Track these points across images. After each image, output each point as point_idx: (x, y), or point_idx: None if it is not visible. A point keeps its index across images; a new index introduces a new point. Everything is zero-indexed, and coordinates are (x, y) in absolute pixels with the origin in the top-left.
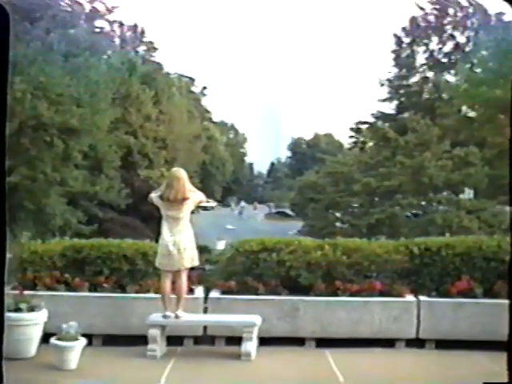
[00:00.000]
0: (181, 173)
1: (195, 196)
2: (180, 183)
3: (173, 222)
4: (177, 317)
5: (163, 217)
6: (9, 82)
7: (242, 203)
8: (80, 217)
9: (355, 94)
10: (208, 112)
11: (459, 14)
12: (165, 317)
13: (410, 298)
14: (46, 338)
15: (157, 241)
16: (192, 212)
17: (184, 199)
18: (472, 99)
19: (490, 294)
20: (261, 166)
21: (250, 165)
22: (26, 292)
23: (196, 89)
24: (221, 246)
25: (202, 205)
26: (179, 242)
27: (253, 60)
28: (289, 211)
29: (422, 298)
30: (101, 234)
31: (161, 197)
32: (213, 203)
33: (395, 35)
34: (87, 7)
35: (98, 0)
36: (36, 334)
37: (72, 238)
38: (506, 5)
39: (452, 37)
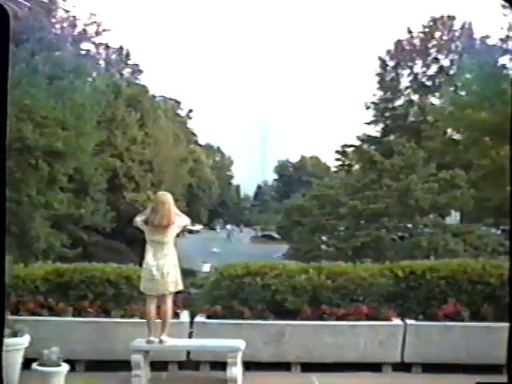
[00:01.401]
0: (166, 197)
1: (180, 220)
2: (165, 208)
3: (157, 247)
4: (161, 342)
5: (147, 241)
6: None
7: (229, 226)
8: (64, 240)
9: (341, 117)
10: (194, 135)
11: (444, 38)
12: (149, 342)
13: (396, 321)
14: (27, 363)
15: (141, 265)
16: (177, 235)
17: (169, 224)
18: (457, 122)
19: (476, 317)
20: (247, 189)
21: (237, 187)
22: (8, 317)
23: (182, 112)
24: (206, 269)
25: (187, 228)
26: (163, 266)
27: (239, 83)
28: (275, 234)
29: (409, 321)
30: (85, 257)
31: (146, 221)
32: (198, 226)
33: (380, 58)
34: (78, 29)
35: (93, 21)
36: (18, 359)
37: (55, 261)
38: (491, 27)
39: (436, 60)
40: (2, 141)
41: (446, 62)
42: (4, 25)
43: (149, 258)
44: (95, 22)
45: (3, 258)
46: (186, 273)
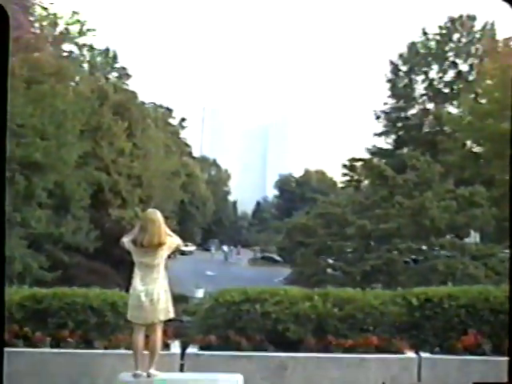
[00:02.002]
0: (156, 215)
1: (172, 241)
2: (155, 227)
3: (146, 270)
4: (149, 376)
5: (135, 263)
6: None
7: (225, 247)
8: (42, 262)
9: (349, 127)
10: (187, 146)
11: (463, 40)
12: (135, 376)
13: (410, 354)
14: None
15: (128, 290)
16: (168, 257)
17: (159, 244)
18: (477, 133)
19: (499, 351)
20: (245, 206)
21: (234, 204)
22: None
23: (174, 120)
24: (199, 294)
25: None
26: (152, 291)
27: (237, 89)
28: (276, 256)
29: (424, 354)
30: (65, 281)
31: (133, 241)
32: (192, 247)
33: (392, 62)
34: (59, 28)
35: (76, 20)
36: None
37: (32, 285)
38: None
39: (454, 64)
40: (2, 141)
41: (464, 67)
42: (4, 25)
43: (137, 282)
44: (78, 21)
45: (3, 264)
46: (178, 299)
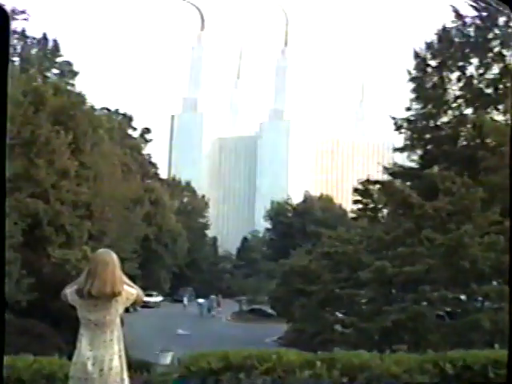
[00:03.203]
0: (110, 256)
1: (130, 291)
2: (108, 272)
3: (95, 329)
4: None
5: (81, 321)
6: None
7: (201, 299)
8: None
9: (362, 140)
10: (153, 165)
11: None
12: None
13: None
14: None
15: (71, 357)
16: (126, 311)
17: (113, 295)
18: None
19: None
20: (228, 243)
21: (214, 241)
22: None
23: (135, 132)
24: (167, 360)
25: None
26: (103, 358)
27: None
28: (268, 309)
29: None
30: None
31: (79, 292)
32: (158, 297)
33: (417, 55)
34: None
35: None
36: None
37: None
38: None
39: (501, 57)
40: (2, 141)
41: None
42: (4, 25)
43: (83, 346)
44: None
45: (3, 265)
46: (138, 367)
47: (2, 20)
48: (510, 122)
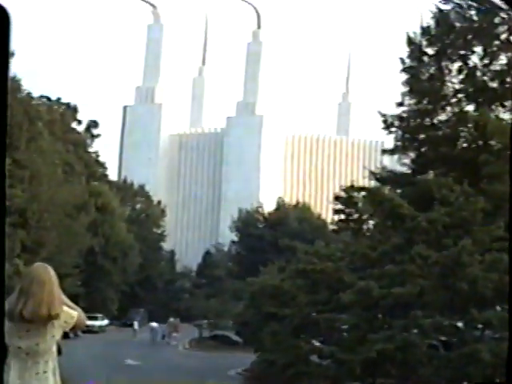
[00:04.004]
0: (47, 272)
1: (69, 313)
2: (44, 290)
3: (27, 360)
4: None
5: (10, 350)
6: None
7: (155, 323)
8: None
9: (345, 141)
10: (100, 165)
11: None
12: None
13: None
14: None
15: None
16: (64, 336)
17: (49, 318)
18: None
19: None
20: (188, 258)
21: (171, 255)
22: None
23: (80, 126)
24: None
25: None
26: None
27: (178, 83)
28: (232, 335)
29: None
30: None
31: (9, 314)
32: (103, 321)
33: (410, 40)
34: None
35: None
36: None
37: None
38: None
39: (509, 45)
40: (2, 141)
41: None
42: (4, 25)
43: (10, 379)
44: None
45: (3, 265)
46: None
47: (2, 20)
48: None
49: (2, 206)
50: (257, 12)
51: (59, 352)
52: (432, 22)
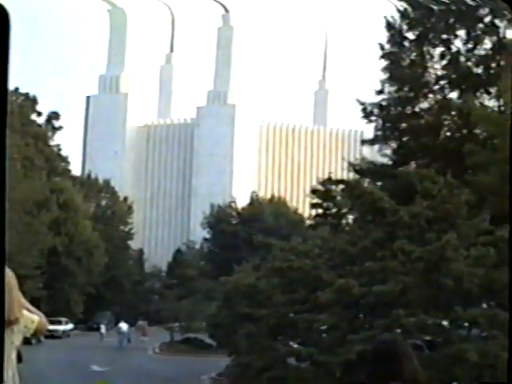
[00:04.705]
0: (5, 273)
1: (30, 317)
2: (1, 293)
3: None
4: None
5: None
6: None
7: (123, 324)
8: None
9: (322, 131)
10: (62, 159)
11: None
12: None
13: None
14: None
15: None
16: (25, 341)
17: (8, 323)
18: None
19: None
20: (157, 257)
21: (139, 254)
22: None
23: (40, 118)
24: None
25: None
26: None
27: (144, 65)
28: (205, 338)
29: None
30: None
31: None
32: (67, 325)
33: (389, 25)
34: None
35: None
36: None
37: None
38: None
39: (493, 28)
40: (1, 141)
41: (511, 33)
42: (4, 24)
43: None
44: None
45: (3, 264)
46: None
47: (2, 19)
48: (503, 108)
49: (2, 206)
50: None
51: (19, 359)
52: (407, 6)
